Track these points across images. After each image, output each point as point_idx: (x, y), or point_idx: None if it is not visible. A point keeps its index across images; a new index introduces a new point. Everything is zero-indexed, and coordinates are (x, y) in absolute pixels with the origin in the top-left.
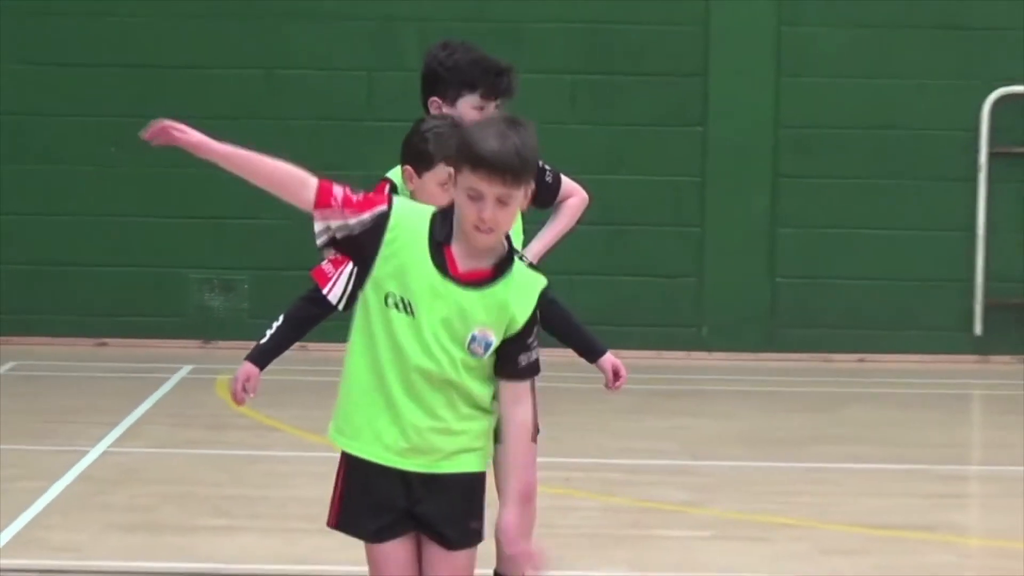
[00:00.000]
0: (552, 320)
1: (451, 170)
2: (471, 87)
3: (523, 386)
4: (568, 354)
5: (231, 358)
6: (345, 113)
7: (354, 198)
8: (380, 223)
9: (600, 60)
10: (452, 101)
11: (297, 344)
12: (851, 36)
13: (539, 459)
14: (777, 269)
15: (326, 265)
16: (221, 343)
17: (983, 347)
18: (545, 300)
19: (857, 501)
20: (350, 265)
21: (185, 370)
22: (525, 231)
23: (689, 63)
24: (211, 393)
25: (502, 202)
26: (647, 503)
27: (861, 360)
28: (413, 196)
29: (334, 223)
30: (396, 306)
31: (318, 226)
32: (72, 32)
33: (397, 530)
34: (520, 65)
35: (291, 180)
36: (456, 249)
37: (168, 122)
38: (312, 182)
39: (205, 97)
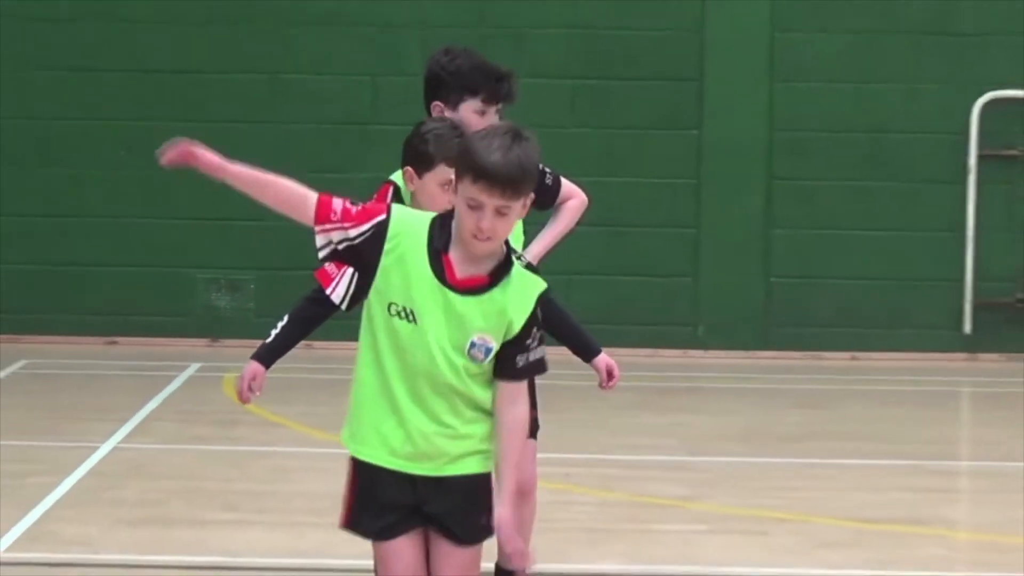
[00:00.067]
0: (549, 320)
1: (452, 175)
2: (473, 92)
3: (520, 386)
4: (567, 352)
5: (238, 356)
6: (349, 117)
7: (353, 210)
8: (380, 232)
9: (598, 65)
10: (454, 105)
11: (302, 343)
12: (843, 41)
13: (539, 455)
14: (771, 269)
15: (329, 266)
16: (228, 342)
17: (972, 345)
18: (543, 301)
19: (850, 496)
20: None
21: (193, 368)
22: (525, 232)
23: (685, 68)
24: (218, 390)
25: (501, 213)
26: (644, 498)
27: (853, 358)
28: (414, 197)
29: (335, 236)
30: (399, 315)
31: (320, 240)
32: (80, 38)
33: (404, 527)
34: (520, 70)
35: (294, 198)
36: (454, 255)
37: (185, 145)
38: (312, 198)
39: (211, 101)
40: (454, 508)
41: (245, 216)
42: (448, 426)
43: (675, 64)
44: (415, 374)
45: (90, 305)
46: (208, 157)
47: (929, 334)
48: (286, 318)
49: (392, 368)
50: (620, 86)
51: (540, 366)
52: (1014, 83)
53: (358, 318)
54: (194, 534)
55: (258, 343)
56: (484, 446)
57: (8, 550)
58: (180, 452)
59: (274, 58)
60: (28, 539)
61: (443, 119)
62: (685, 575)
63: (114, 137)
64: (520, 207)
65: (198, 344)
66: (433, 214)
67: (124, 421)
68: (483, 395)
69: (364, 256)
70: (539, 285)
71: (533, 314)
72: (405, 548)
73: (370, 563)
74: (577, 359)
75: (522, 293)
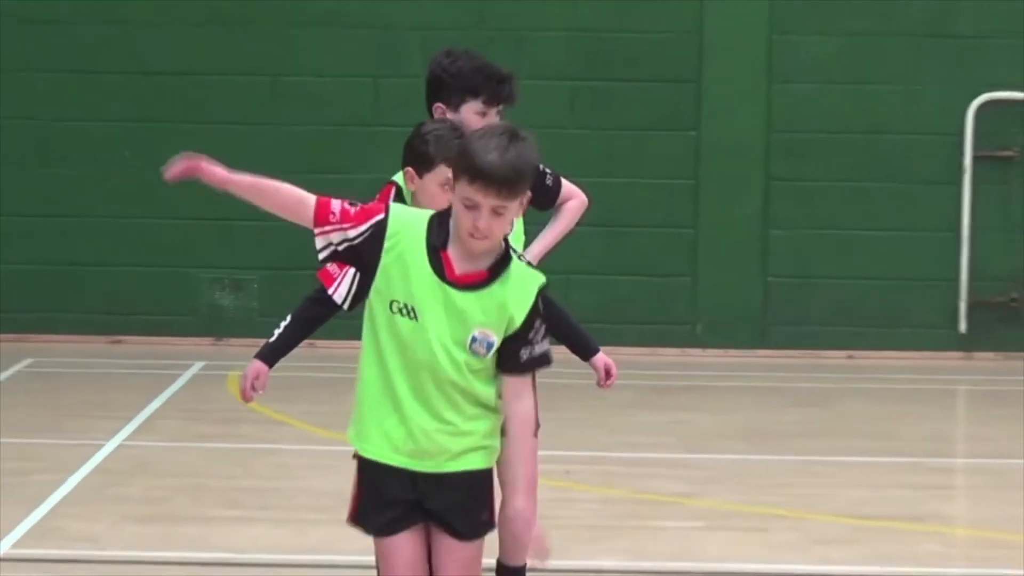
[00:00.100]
0: (548, 319)
1: (450, 173)
2: (474, 93)
3: (524, 381)
4: (566, 351)
5: (241, 355)
6: (351, 119)
7: (352, 210)
8: (379, 231)
9: (598, 67)
10: (456, 107)
11: (305, 342)
12: (840, 44)
13: (540, 453)
14: (769, 269)
15: (331, 266)
16: (232, 340)
17: (967, 344)
18: (543, 299)
19: (848, 492)
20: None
21: (197, 367)
22: (526, 232)
23: (683, 70)
24: (222, 389)
25: (497, 212)
26: (645, 495)
27: (850, 357)
28: (415, 197)
29: (335, 237)
30: (400, 312)
31: (319, 242)
32: (84, 40)
33: (405, 523)
34: (520, 72)
35: (293, 202)
36: (453, 252)
37: (189, 161)
38: (311, 201)
39: (213, 103)
40: (455, 504)
41: (249, 216)
42: (449, 423)
43: (674, 66)
44: (417, 371)
45: (94, 304)
46: (213, 171)
47: (925, 333)
48: (289, 318)
49: (395, 366)
50: (619, 88)
51: (544, 359)
52: (1009, 85)
53: (360, 317)
54: (198, 531)
55: (261, 342)
56: (486, 442)
57: (14, 547)
58: (184, 450)
59: (276, 60)
60: (34, 536)
61: (443, 120)
62: (685, 571)
63: (117, 138)
64: (517, 206)
65: (202, 343)
66: (431, 212)
67: (129, 419)
68: (485, 391)
69: (364, 256)
70: (538, 279)
71: (534, 308)
72: (405, 544)
73: (371, 559)
74: (576, 358)
75: (522, 287)
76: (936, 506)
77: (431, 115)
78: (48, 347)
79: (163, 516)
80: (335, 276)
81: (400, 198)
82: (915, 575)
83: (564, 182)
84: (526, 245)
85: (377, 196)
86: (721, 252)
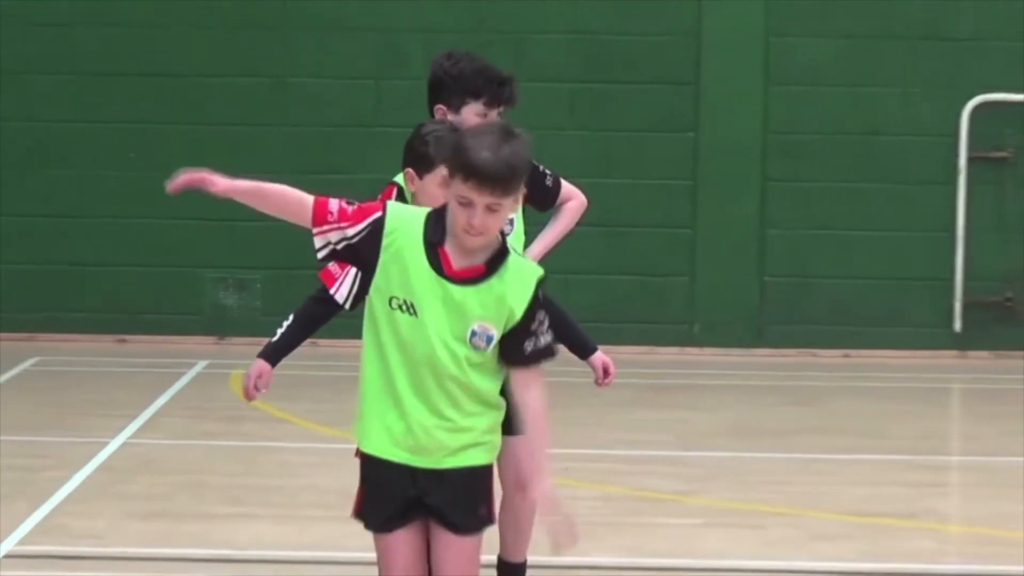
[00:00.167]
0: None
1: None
2: (475, 95)
3: (531, 372)
4: (564, 350)
5: (245, 354)
6: (353, 120)
7: (349, 210)
8: (377, 229)
9: (597, 69)
10: (457, 108)
11: (308, 340)
12: (837, 46)
13: None
14: (765, 269)
15: (333, 266)
16: (235, 339)
17: (962, 343)
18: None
19: (843, 490)
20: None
21: (201, 365)
22: (526, 232)
23: (682, 72)
24: (226, 387)
25: (492, 209)
26: (643, 492)
27: (846, 355)
28: (415, 197)
29: (333, 237)
30: (400, 308)
31: (318, 242)
32: (91, 43)
33: (404, 520)
34: (520, 74)
35: (293, 204)
36: (450, 248)
37: (193, 175)
38: (309, 201)
39: (217, 105)
40: (453, 499)
41: (252, 217)
42: (448, 419)
43: (672, 68)
44: (417, 367)
45: (100, 304)
46: (215, 181)
47: (920, 332)
48: (291, 318)
49: (395, 362)
50: (618, 90)
51: (549, 351)
52: (1003, 87)
53: (362, 316)
54: (201, 527)
55: (265, 341)
56: (486, 439)
57: (20, 543)
58: (188, 447)
59: (279, 62)
60: (39, 532)
61: (443, 121)
62: (684, 567)
63: (122, 140)
64: (511, 203)
65: (206, 342)
66: (428, 209)
67: (133, 417)
68: (485, 385)
69: (363, 254)
70: (536, 271)
71: (534, 300)
72: (403, 542)
73: (372, 555)
74: (575, 357)
75: (520, 280)
76: (931, 503)
77: (432, 116)
78: (54, 346)
79: (167, 513)
80: (337, 276)
81: (402, 198)
82: (910, 571)
83: (564, 183)
84: (526, 245)
85: (379, 196)
86: (718, 252)
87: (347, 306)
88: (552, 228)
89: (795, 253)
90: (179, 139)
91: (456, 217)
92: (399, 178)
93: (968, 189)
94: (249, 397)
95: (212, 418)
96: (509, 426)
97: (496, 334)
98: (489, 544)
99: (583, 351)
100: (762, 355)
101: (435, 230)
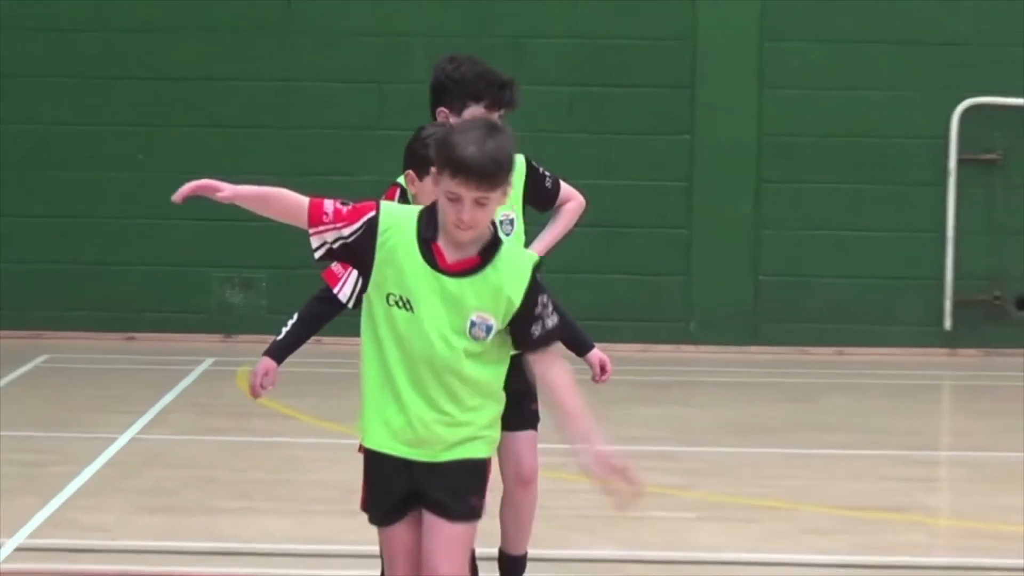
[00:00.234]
0: None
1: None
2: (476, 98)
3: (548, 351)
4: (562, 348)
5: (250, 351)
6: (357, 123)
7: (344, 210)
8: (371, 228)
9: (594, 73)
10: (458, 112)
11: (312, 338)
12: (829, 51)
13: (539, 445)
14: (760, 268)
15: (336, 267)
16: (241, 337)
17: (952, 341)
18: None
19: (835, 484)
20: None
21: (207, 362)
22: (526, 233)
23: (677, 76)
24: (232, 384)
25: (480, 203)
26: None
27: (839, 353)
28: (416, 198)
29: (329, 237)
30: (397, 304)
31: (314, 242)
32: (99, 47)
33: (402, 513)
34: (520, 78)
35: (291, 206)
36: (443, 243)
37: (198, 183)
38: (305, 203)
39: (223, 108)
40: (446, 486)
41: (257, 217)
42: (446, 413)
43: (668, 72)
44: (415, 362)
45: (108, 302)
46: (222, 189)
47: (911, 330)
48: (296, 317)
49: (393, 358)
50: (615, 93)
51: (558, 331)
52: (993, 90)
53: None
54: (208, 521)
55: (270, 339)
56: (484, 433)
57: (30, 536)
58: (195, 443)
59: (284, 66)
60: (49, 526)
61: (442, 124)
62: (679, 560)
63: (129, 142)
64: (499, 196)
65: (212, 340)
66: (420, 207)
67: (141, 413)
68: (486, 377)
69: (359, 253)
70: (531, 257)
71: (532, 285)
72: (403, 534)
73: (375, 548)
74: (572, 354)
75: (515, 269)
76: (921, 497)
77: (435, 119)
78: (63, 343)
79: (174, 507)
80: (339, 276)
81: (404, 199)
82: (900, 564)
83: (563, 184)
84: (527, 245)
85: (382, 197)
86: (714, 252)
87: (350, 305)
88: (551, 228)
89: (789, 253)
90: (185, 141)
91: (446, 212)
92: (401, 179)
93: (958, 191)
94: (255, 394)
95: (219, 414)
96: (510, 421)
97: (495, 323)
98: (491, 538)
99: (581, 348)
100: (757, 353)
101: (428, 226)
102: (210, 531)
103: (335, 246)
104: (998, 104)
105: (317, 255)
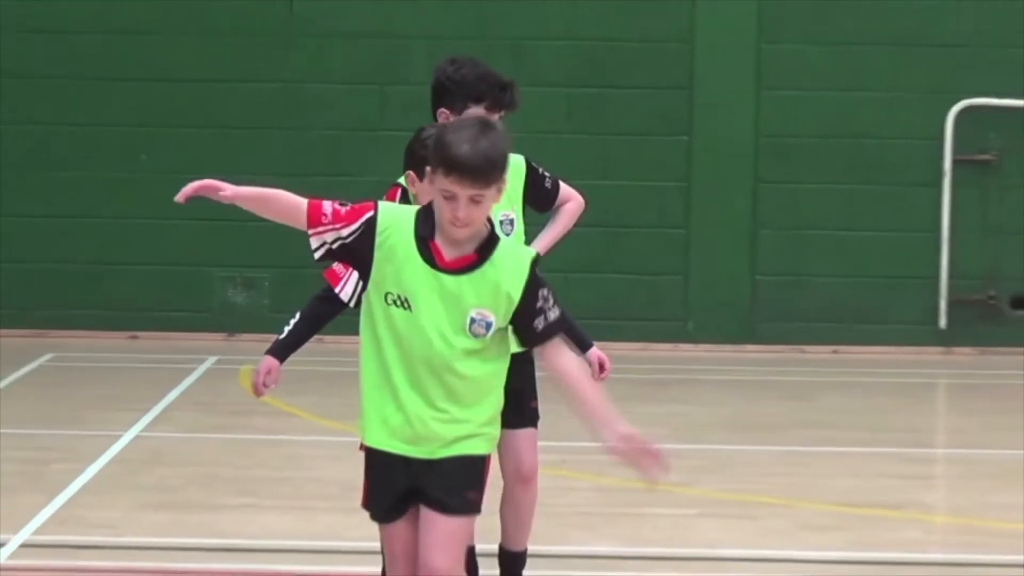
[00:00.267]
0: None
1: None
2: (477, 100)
3: (554, 343)
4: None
5: (253, 350)
6: (358, 124)
7: (342, 211)
8: (370, 228)
9: (593, 75)
10: (459, 113)
11: (314, 337)
12: (826, 52)
13: (538, 443)
14: (757, 267)
15: (337, 266)
16: (244, 336)
17: (947, 340)
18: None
19: (832, 481)
20: None
21: (210, 361)
22: (526, 233)
23: (676, 77)
24: (235, 382)
25: (475, 201)
26: (638, 483)
27: (835, 351)
28: (416, 198)
29: (328, 237)
30: (395, 303)
31: (314, 243)
32: (105, 50)
33: (401, 510)
34: (520, 79)
35: (290, 208)
36: (440, 241)
37: (201, 183)
38: (303, 205)
39: (227, 109)
40: (443, 481)
41: (260, 217)
42: (444, 411)
43: (667, 73)
44: (413, 360)
45: (113, 302)
46: (224, 189)
47: (907, 329)
48: (298, 316)
49: (392, 357)
50: (614, 94)
51: (561, 323)
52: (988, 91)
53: None
54: (211, 518)
55: (272, 337)
56: (484, 430)
57: (35, 533)
58: (198, 440)
59: (289, 68)
60: (55, 523)
61: (442, 125)
62: (678, 556)
63: (135, 143)
64: (494, 193)
65: (215, 338)
66: (418, 206)
67: (145, 411)
68: (484, 375)
69: (358, 252)
70: (529, 253)
71: (531, 280)
72: (404, 531)
73: (376, 544)
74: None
75: (513, 264)
76: (917, 494)
77: (436, 120)
78: (68, 342)
79: (178, 504)
80: (341, 276)
81: (406, 200)
82: (897, 560)
83: (562, 185)
84: (526, 245)
85: (384, 198)
86: (712, 251)
87: (351, 304)
88: (551, 228)
89: (786, 252)
90: (188, 142)
91: (442, 211)
92: (402, 180)
93: (953, 191)
94: (258, 392)
95: (222, 412)
96: (510, 419)
97: (495, 320)
98: (492, 534)
99: (580, 347)
100: (754, 351)
101: (425, 225)
102: (213, 527)
103: (334, 247)
104: (993, 105)
105: (316, 256)
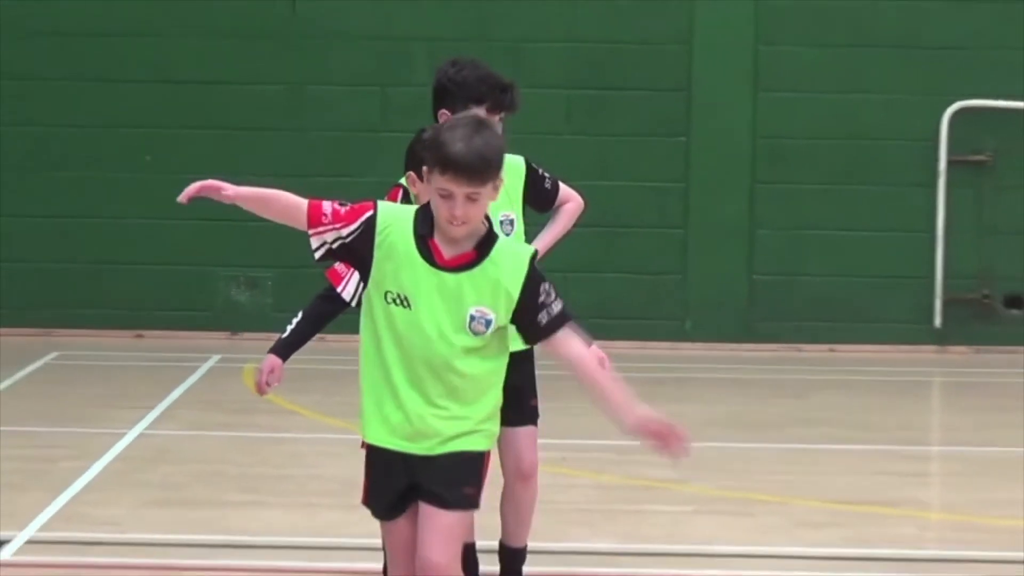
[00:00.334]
0: None
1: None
2: (478, 101)
3: (561, 335)
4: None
5: (256, 348)
6: (360, 125)
7: (342, 211)
8: (369, 227)
9: (592, 77)
10: None
11: (316, 336)
12: (822, 55)
13: (538, 440)
14: (754, 267)
15: (339, 266)
16: (247, 335)
17: (942, 338)
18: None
19: (828, 479)
20: None
21: (214, 359)
22: (526, 233)
23: (674, 79)
24: (238, 380)
25: (471, 199)
26: (637, 480)
27: (831, 350)
28: (418, 199)
29: (329, 237)
30: (395, 302)
31: (314, 242)
32: (112, 52)
33: (402, 507)
34: (520, 81)
35: (290, 208)
36: (439, 239)
37: (203, 183)
38: (304, 205)
39: (232, 111)
40: (441, 476)
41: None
42: (443, 408)
43: (665, 75)
44: (412, 359)
45: (118, 301)
46: (225, 190)
47: (902, 328)
48: (300, 315)
49: (391, 355)
50: (613, 96)
51: (565, 316)
52: (981, 93)
53: None
54: (215, 515)
55: (275, 336)
56: (483, 427)
57: (41, 529)
58: (202, 438)
59: (292, 70)
60: (60, 519)
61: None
62: (676, 553)
63: (141, 144)
64: (490, 191)
65: (219, 337)
66: (416, 206)
67: (149, 409)
68: (483, 372)
69: (358, 252)
70: (527, 250)
71: (530, 276)
72: (403, 528)
73: (378, 541)
74: None
75: (512, 262)
76: (911, 491)
77: (437, 121)
78: (74, 341)
79: (182, 501)
80: (343, 275)
81: (407, 200)
82: (892, 556)
83: (562, 185)
84: None
85: (386, 198)
86: (709, 251)
87: (353, 303)
88: (551, 229)
89: (782, 252)
90: (193, 144)
91: (439, 209)
92: (404, 181)
93: (948, 191)
94: (261, 391)
95: (225, 410)
96: (510, 417)
97: (495, 317)
98: (492, 531)
99: None
100: (751, 350)
101: (424, 224)
102: (217, 524)
103: (334, 246)
104: (986, 107)
105: (317, 256)
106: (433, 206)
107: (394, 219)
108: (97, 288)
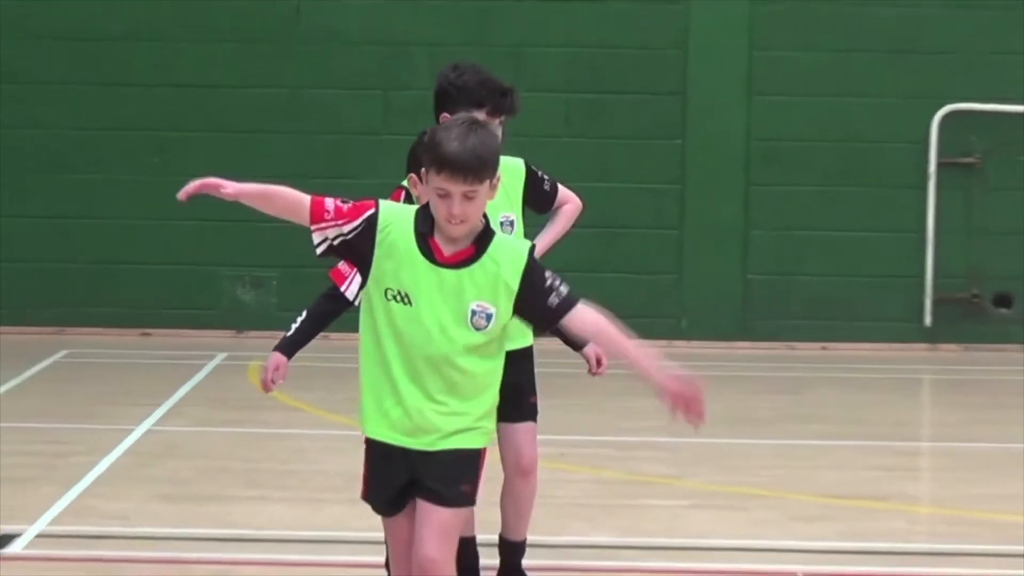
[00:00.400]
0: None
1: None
2: (479, 105)
3: (574, 313)
4: (561, 343)
5: (261, 347)
6: (363, 128)
7: (345, 207)
8: (371, 225)
9: (591, 81)
10: None
11: (320, 334)
12: (815, 59)
13: (538, 436)
14: (749, 267)
15: (342, 266)
16: (252, 333)
17: (932, 337)
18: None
19: (821, 474)
20: None
21: (220, 357)
22: (526, 234)
23: (670, 83)
24: (243, 378)
25: (468, 197)
26: (635, 476)
27: (824, 348)
28: (419, 200)
29: (331, 233)
30: (395, 299)
31: (316, 238)
32: (113, 54)
33: (401, 503)
34: (520, 85)
35: (292, 204)
36: (439, 237)
37: (203, 181)
38: (307, 201)
39: (234, 114)
40: (438, 472)
41: (268, 218)
42: (443, 403)
43: (661, 79)
44: (412, 355)
45: (125, 300)
46: (226, 187)
47: (893, 326)
48: (304, 314)
49: (391, 351)
50: (611, 100)
51: (574, 296)
52: (971, 96)
53: None
54: (221, 509)
55: (280, 335)
56: (481, 424)
57: (51, 524)
58: (208, 434)
59: (296, 74)
60: (70, 514)
61: None
62: (673, 546)
63: (149, 146)
64: (487, 189)
65: (224, 335)
66: (417, 206)
67: (157, 406)
68: (482, 370)
69: (359, 249)
70: (525, 244)
71: (529, 267)
72: (404, 526)
73: (380, 535)
74: (570, 348)
75: (510, 256)
76: (902, 486)
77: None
78: (83, 339)
79: (189, 496)
80: (346, 275)
81: (409, 201)
82: (883, 549)
83: (560, 187)
84: None
85: (388, 199)
86: (705, 252)
87: (356, 302)
88: (550, 229)
89: (776, 252)
90: (199, 146)
91: (437, 209)
92: (405, 183)
93: (938, 193)
94: (266, 388)
95: (231, 407)
96: (510, 414)
97: (495, 311)
98: (492, 525)
99: (577, 343)
100: (746, 348)
101: (424, 222)
102: (223, 518)
103: (335, 242)
104: (976, 110)
105: (318, 251)
106: (432, 206)
107: (395, 218)
108: (105, 288)
